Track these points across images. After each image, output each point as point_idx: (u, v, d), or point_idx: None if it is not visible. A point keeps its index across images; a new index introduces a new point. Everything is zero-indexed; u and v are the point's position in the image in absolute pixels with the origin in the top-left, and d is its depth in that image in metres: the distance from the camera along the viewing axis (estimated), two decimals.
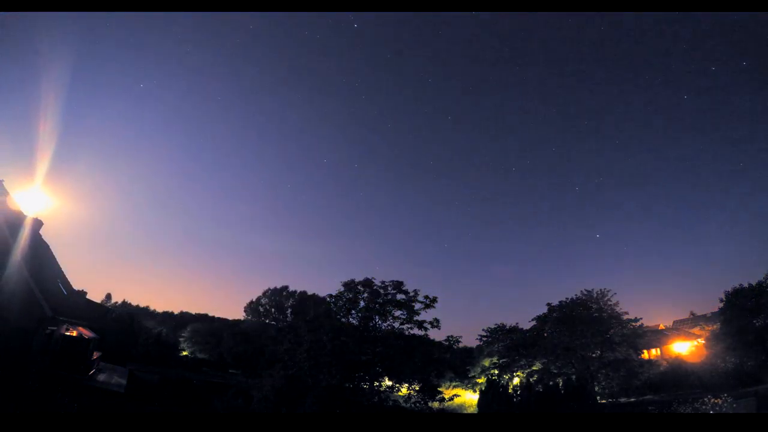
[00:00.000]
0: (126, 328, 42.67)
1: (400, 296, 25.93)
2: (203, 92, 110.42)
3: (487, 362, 35.99)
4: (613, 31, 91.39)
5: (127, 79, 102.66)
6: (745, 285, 28.34)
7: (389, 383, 24.64)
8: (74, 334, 22.83)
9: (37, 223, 23.78)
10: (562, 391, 22.48)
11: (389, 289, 26.02)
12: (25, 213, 22.63)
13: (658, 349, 37.69)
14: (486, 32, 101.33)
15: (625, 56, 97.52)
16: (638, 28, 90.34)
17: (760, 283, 27.46)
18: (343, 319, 26.36)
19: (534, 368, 31.16)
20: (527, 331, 34.61)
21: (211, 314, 71.56)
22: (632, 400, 26.07)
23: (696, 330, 35.85)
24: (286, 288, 57.03)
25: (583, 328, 28.50)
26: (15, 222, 19.73)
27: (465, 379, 38.25)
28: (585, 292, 31.29)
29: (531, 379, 29.17)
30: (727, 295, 28.92)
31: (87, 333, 24.70)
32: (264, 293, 57.11)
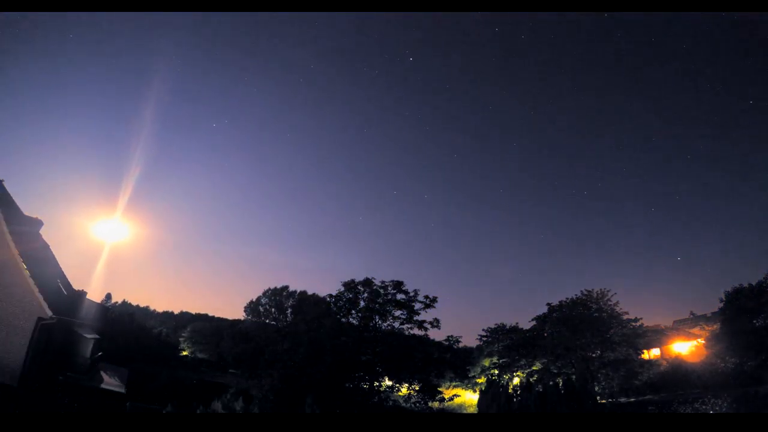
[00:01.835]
0: (126, 328, 42.63)
1: (400, 296, 25.95)
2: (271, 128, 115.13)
3: (487, 362, 35.96)
4: (613, 28, 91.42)
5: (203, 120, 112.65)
6: (745, 285, 28.32)
7: (389, 383, 24.65)
8: (75, 334, 22.77)
9: (38, 223, 23.77)
10: (562, 391, 22.41)
11: (389, 289, 26.03)
12: (25, 213, 22.61)
13: (658, 349, 37.61)
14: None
15: (630, 56, 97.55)
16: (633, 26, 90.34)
17: (760, 283, 27.41)
18: (343, 319, 26.36)
19: (534, 368, 31.14)
20: (527, 331, 34.59)
21: (211, 314, 71.63)
22: (632, 400, 26.04)
23: (696, 330, 35.74)
24: (286, 288, 56.83)
25: (583, 328, 28.47)
26: (15, 222, 19.70)
27: (465, 379, 38.22)
28: (585, 292, 31.28)
29: (531, 379, 29.13)
30: (727, 295, 28.87)
31: (87, 333, 24.65)
32: (264, 293, 56.86)
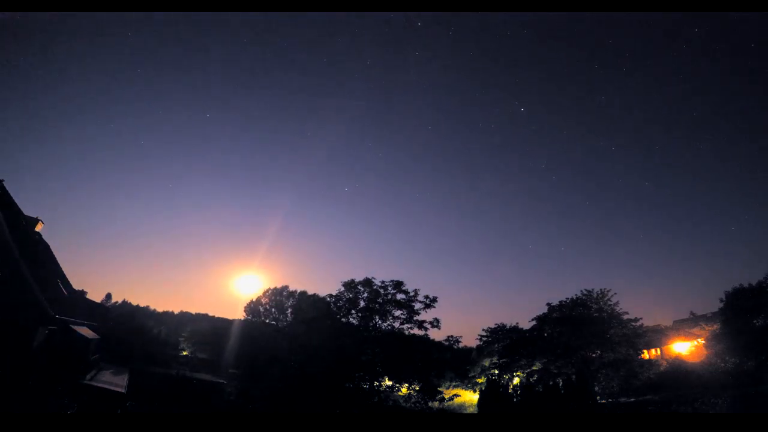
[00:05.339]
0: (126, 328, 42.63)
1: (400, 296, 25.93)
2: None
3: (487, 362, 35.92)
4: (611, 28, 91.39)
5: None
6: (745, 285, 28.30)
7: (389, 383, 24.62)
8: (74, 334, 22.78)
9: (37, 223, 23.78)
10: (562, 391, 22.43)
11: (389, 288, 26.02)
12: (24, 213, 22.60)
13: (658, 349, 37.60)
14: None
15: (630, 53, 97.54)
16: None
17: (760, 283, 27.38)
18: (343, 319, 26.35)
19: (534, 368, 31.12)
20: (527, 331, 34.55)
21: (211, 314, 71.71)
22: (632, 400, 26.02)
23: (696, 330, 35.68)
24: (286, 288, 56.80)
25: (583, 328, 28.46)
26: (15, 222, 19.70)
27: (465, 379, 38.15)
28: (585, 292, 31.27)
29: (531, 379, 29.12)
30: (727, 295, 28.83)
31: (87, 333, 24.66)
32: (264, 293, 56.93)
